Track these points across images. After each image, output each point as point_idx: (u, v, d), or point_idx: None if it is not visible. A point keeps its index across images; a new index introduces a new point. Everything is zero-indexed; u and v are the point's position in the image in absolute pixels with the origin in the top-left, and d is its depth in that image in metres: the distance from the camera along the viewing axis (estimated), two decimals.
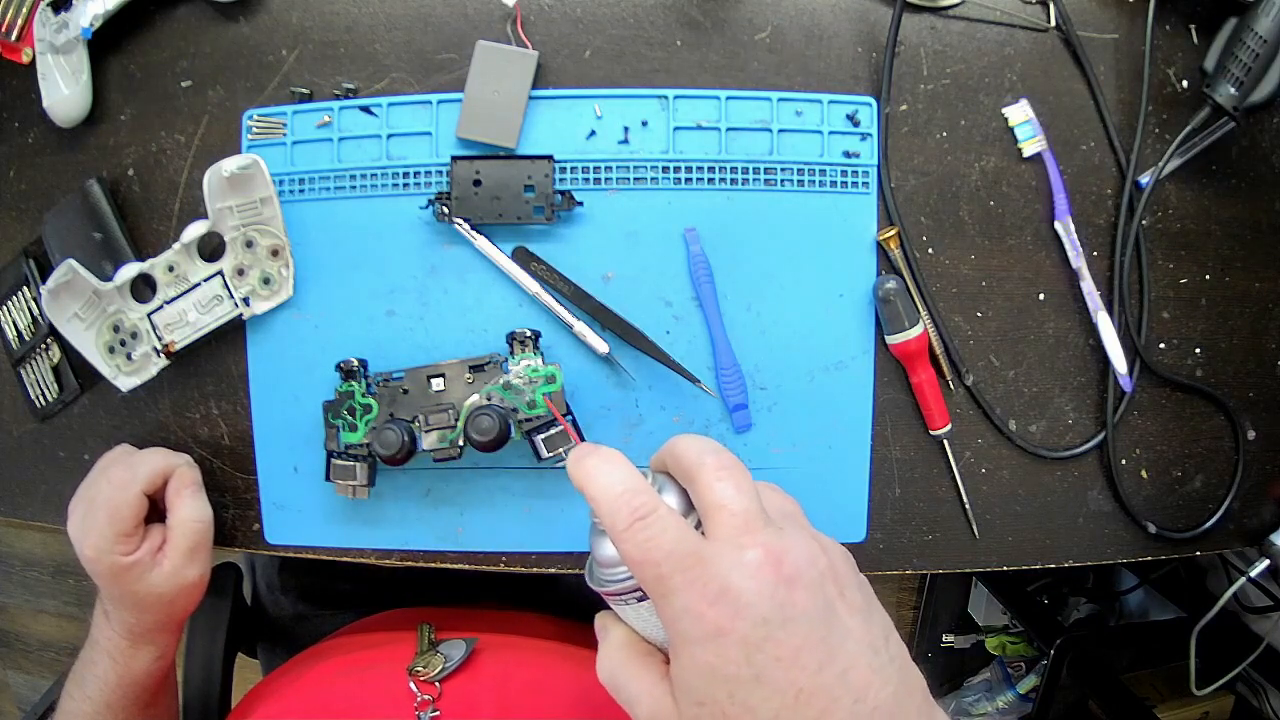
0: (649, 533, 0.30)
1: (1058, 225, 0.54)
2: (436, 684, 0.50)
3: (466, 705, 0.49)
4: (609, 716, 0.51)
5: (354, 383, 0.52)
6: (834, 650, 0.30)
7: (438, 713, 0.48)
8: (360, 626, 0.65)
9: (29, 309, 0.57)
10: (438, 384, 0.52)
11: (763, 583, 0.29)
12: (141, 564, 0.49)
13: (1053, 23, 0.54)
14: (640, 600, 0.33)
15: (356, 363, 0.52)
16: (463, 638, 0.54)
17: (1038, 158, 0.55)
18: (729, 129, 0.53)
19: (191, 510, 0.52)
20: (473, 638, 0.54)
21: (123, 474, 0.51)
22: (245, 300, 0.53)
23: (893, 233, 0.53)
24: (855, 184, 0.53)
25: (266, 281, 0.53)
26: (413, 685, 0.50)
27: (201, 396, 0.56)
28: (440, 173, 0.53)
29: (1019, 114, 0.54)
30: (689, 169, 0.53)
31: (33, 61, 0.53)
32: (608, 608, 0.36)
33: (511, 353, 0.51)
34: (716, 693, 0.29)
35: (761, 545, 0.30)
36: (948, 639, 1.40)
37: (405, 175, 0.53)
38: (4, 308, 0.58)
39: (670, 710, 0.31)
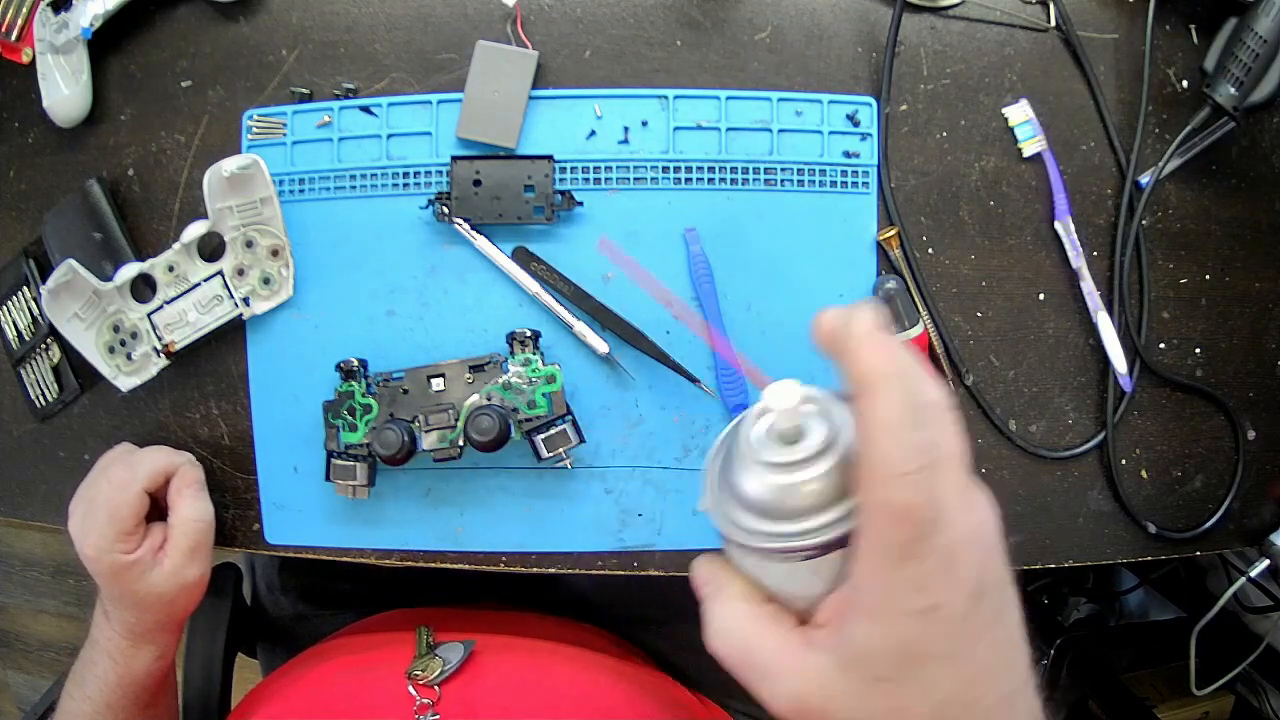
0: (931, 483, 0.24)
1: (1058, 225, 0.54)
2: (435, 687, 0.50)
3: (465, 708, 0.49)
4: (610, 718, 0.52)
5: (354, 383, 0.52)
6: (1006, 622, 0.27)
7: (436, 716, 0.48)
8: (360, 627, 0.65)
9: (29, 309, 0.57)
10: (438, 384, 0.52)
11: (979, 553, 0.26)
12: (142, 563, 0.49)
13: (1053, 23, 0.54)
14: (809, 557, 0.27)
15: (356, 363, 0.52)
16: (461, 640, 0.54)
17: (1038, 158, 0.55)
18: (729, 129, 0.53)
19: (193, 509, 0.52)
20: (470, 640, 0.54)
21: (123, 473, 0.51)
22: (245, 300, 0.53)
23: (893, 233, 0.53)
24: (855, 184, 0.53)
25: (266, 281, 0.53)
26: (411, 689, 0.50)
27: (201, 396, 0.56)
28: (440, 173, 0.53)
29: (1019, 114, 0.54)
30: (689, 169, 0.53)
31: (33, 61, 0.53)
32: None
33: (511, 353, 0.51)
34: (904, 670, 0.26)
35: (981, 508, 0.26)
36: None
37: (405, 175, 0.53)
38: (4, 308, 0.58)
39: (831, 683, 0.26)
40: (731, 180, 0.53)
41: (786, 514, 0.27)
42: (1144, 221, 0.55)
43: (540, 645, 0.57)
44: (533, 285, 0.52)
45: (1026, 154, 0.54)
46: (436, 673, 0.50)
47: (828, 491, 0.27)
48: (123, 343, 0.54)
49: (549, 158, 0.52)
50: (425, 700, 0.49)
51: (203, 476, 0.53)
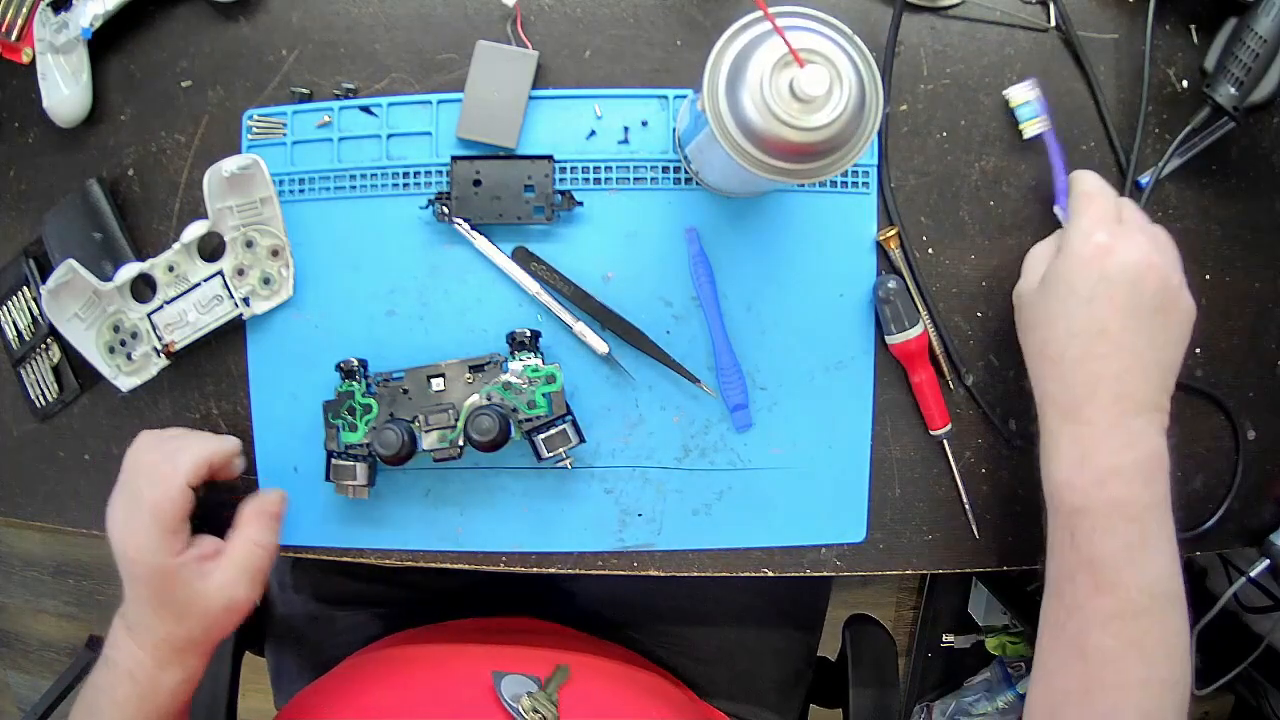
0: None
1: (1056, 210, 0.53)
2: None
3: None
4: None
5: (354, 383, 0.52)
6: (1166, 344, 0.45)
7: None
8: (406, 638, 0.65)
9: (29, 309, 0.57)
10: (438, 384, 0.52)
11: (1171, 270, 0.45)
12: (188, 568, 0.47)
13: (1053, 23, 0.54)
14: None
15: (356, 363, 0.52)
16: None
17: (1037, 149, 0.54)
18: None
19: (262, 534, 0.50)
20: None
21: (163, 468, 0.48)
22: (245, 300, 0.53)
23: (893, 233, 0.53)
24: (855, 184, 0.53)
25: (266, 281, 0.53)
26: (523, 708, 0.48)
27: (201, 396, 0.56)
28: (440, 173, 0.53)
29: (1021, 94, 0.53)
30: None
31: (33, 61, 0.53)
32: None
33: (511, 353, 0.51)
34: (1058, 291, 0.45)
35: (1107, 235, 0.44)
36: (948, 639, 1.40)
37: (405, 175, 0.53)
38: (4, 308, 0.58)
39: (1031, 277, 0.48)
40: None
41: (778, 155, 0.37)
42: None
43: (619, 672, 0.58)
44: (533, 285, 0.52)
45: (1027, 135, 0.53)
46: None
47: (818, 148, 0.38)
48: (123, 343, 0.54)
49: (549, 158, 0.52)
50: None
51: (284, 509, 0.52)
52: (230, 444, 0.52)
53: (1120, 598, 0.42)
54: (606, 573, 0.55)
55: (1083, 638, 0.43)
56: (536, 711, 0.48)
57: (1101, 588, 0.42)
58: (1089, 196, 0.46)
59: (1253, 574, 0.60)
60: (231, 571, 0.48)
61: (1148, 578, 0.42)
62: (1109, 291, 0.43)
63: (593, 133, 0.53)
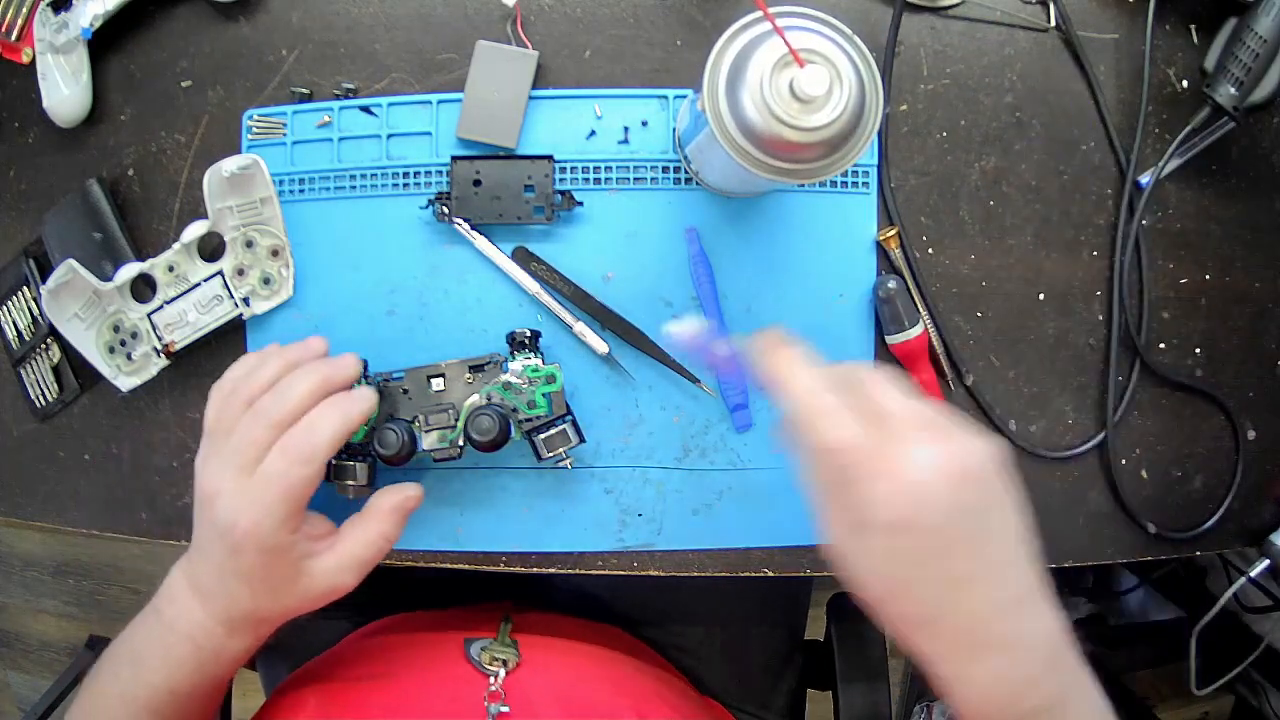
0: (833, 423, 0.35)
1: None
2: (500, 675, 0.51)
3: (527, 701, 0.50)
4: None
5: (354, 383, 0.52)
6: (991, 541, 0.35)
7: (506, 708, 0.49)
8: (379, 629, 0.65)
9: (29, 309, 0.57)
10: (438, 384, 0.52)
11: (945, 480, 0.33)
12: (299, 545, 0.44)
13: (1053, 23, 0.54)
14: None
15: None
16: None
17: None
18: None
19: (394, 529, 0.48)
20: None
21: (304, 447, 0.43)
22: (245, 300, 0.53)
23: (893, 233, 0.53)
24: (855, 184, 0.53)
25: (266, 281, 0.53)
26: (483, 660, 0.50)
27: (201, 396, 0.55)
28: (440, 173, 0.53)
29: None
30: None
31: (33, 61, 0.53)
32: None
33: (511, 353, 0.51)
34: (889, 568, 0.35)
35: (940, 443, 0.34)
36: None
37: (405, 175, 0.53)
38: (4, 308, 0.58)
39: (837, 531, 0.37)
40: None
41: (778, 155, 0.38)
42: (1144, 221, 0.55)
43: (581, 649, 0.58)
44: (533, 285, 0.52)
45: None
46: (505, 665, 0.52)
47: (818, 148, 0.38)
48: (123, 343, 0.54)
49: (549, 158, 0.52)
50: (495, 687, 0.50)
51: (418, 505, 0.49)
52: (368, 400, 0.46)
53: None
54: (606, 573, 0.55)
55: None
56: (496, 660, 0.52)
57: None
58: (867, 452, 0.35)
59: (1253, 574, 0.60)
60: (346, 559, 0.45)
61: None
62: (978, 540, 0.35)
63: (593, 133, 0.53)
